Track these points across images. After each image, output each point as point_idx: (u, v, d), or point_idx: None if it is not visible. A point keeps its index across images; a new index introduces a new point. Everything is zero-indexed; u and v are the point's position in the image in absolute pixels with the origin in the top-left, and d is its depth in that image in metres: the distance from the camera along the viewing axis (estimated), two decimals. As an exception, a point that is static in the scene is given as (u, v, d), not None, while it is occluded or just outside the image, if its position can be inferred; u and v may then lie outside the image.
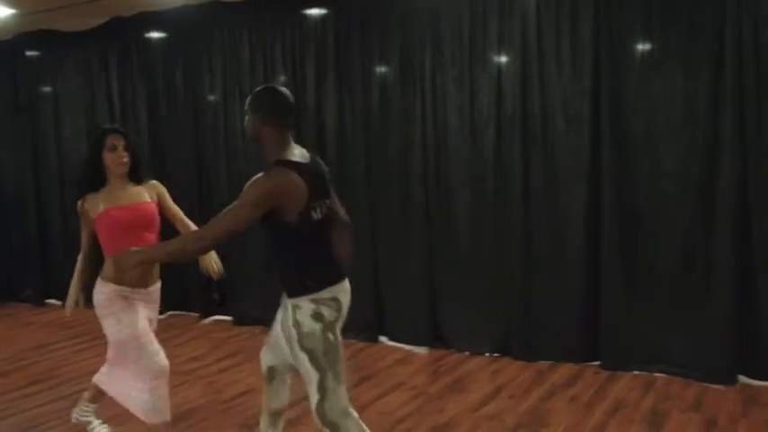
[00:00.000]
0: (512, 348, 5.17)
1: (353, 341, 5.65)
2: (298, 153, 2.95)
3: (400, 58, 5.50)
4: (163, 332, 6.16)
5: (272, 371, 3.20)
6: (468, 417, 4.13)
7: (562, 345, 5.01)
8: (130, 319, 3.45)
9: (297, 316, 2.85)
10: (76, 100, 7.29)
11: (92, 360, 5.46)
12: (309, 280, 2.90)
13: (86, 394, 3.89)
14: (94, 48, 7.10)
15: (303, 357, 2.85)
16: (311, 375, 2.85)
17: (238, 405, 4.45)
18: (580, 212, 4.92)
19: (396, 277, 5.64)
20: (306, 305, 2.85)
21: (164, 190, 3.73)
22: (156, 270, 3.61)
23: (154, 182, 3.72)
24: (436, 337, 5.50)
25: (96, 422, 3.89)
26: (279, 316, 3.04)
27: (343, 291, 3.00)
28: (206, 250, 3.16)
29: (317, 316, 2.84)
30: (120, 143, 3.49)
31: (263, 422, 3.27)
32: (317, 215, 2.88)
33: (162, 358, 3.50)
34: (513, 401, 4.36)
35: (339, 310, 2.94)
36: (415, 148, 5.46)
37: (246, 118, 2.99)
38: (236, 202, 2.80)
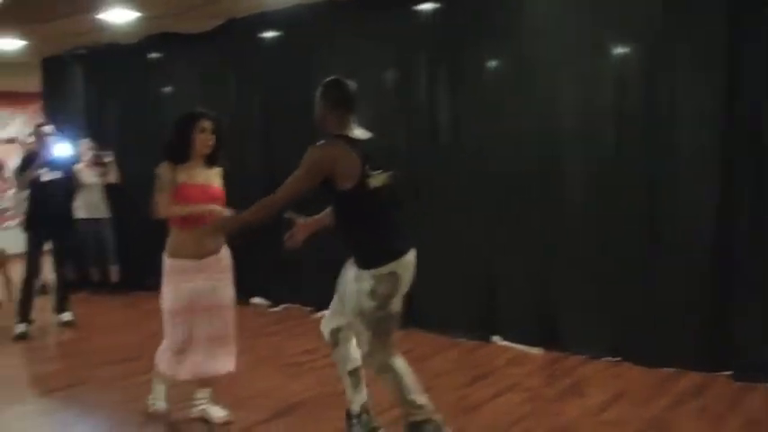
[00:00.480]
0: (632, 353, 4.96)
1: (464, 340, 5.61)
2: (357, 132, 3.29)
3: (513, 52, 5.39)
4: (276, 324, 6.40)
5: (335, 333, 3.57)
6: (588, 422, 3.99)
7: (687, 351, 4.75)
8: (173, 295, 3.78)
9: (359, 285, 3.24)
10: (194, 100, 7.55)
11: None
12: (371, 255, 3.23)
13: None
14: (212, 49, 7.34)
15: (358, 318, 3.29)
16: (362, 330, 3.30)
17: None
18: (710, 212, 4.67)
19: (510, 276, 5.53)
20: (366, 281, 3.21)
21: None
22: (214, 241, 3.79)
23: (220, 168, 3.95)
24: (551, 339, 5.36)
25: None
26: (345, 273, 3.42)
27: (404, 265, 3.26)
28: (272, 215, 3.34)
29: (372, 294, 3.19)
30: (210, 127, 3.77)
31: (348, 389, 3.58)
32: (374, 183, 3.17)
33: (186, 349, 3.84)
34: (636, 408, 4.17)
35: (397, 283, 3.22)
36: (530, 143, 5.33)
37: (317, 106, 3.36)
38: (295, 172, 3.18)
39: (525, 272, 5.44)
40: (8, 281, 7.83)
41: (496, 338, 5.60)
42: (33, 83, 9.43)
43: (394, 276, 3.22)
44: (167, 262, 3.83)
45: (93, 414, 4.42)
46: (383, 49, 6.10)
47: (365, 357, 3.39)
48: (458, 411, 4.18)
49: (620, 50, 4.94)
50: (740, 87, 4.52)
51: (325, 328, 3.64)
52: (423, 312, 5.97)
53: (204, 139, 3.78)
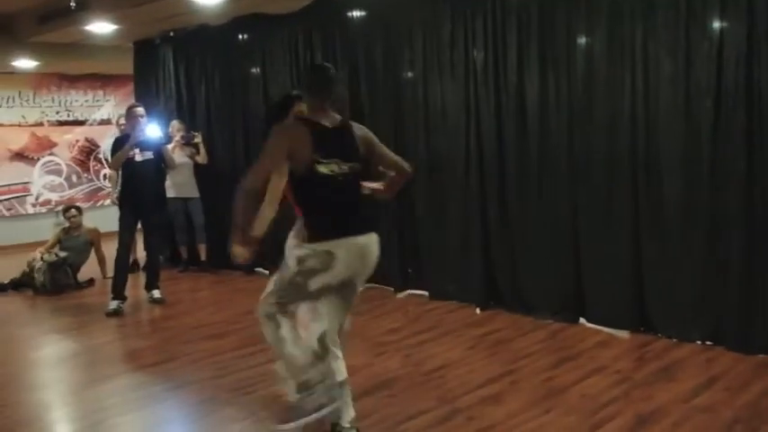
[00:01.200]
0: (726, 337, 4.78)
1: (551, 322, 5.54)
2: (328, 119, 3.42)
3: (607, 27, 5.21)
4: (361, 304, 6.46)
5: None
6: (679, 407, 3.88)
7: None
8: None
9: (294, 249, 3.48)
10: (283, 79, 7.65)
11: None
12: (311, 232, 3.40)
13: None
14: (299, 28, 7.39)
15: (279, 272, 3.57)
16: (274, 280, 3.60)
17: (437, 378, 4.49)
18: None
19: (598, 257, 5.40)
20: (301, 249, 3.41)
21: None
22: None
23: None
24: (639, 321, 5.22)
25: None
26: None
27: (345, 247, 3.36)
28: (244, 199, 3.42)
29: (300, 262, 3.40)
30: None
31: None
32: (323, 171, 3.30)
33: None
34: (730, 394, 4.03)
35: (330, 263, 3.34)
36: (622, 123, 5.17)
37: None
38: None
39: (614, 254, 5.29)
40: (102, 259, 8.18)
41: (583, 321, 5.50)
42: (125, 66, 9.75)
43: (330, 256, 3.34)
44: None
45: (182, 389, 4.55)
46: (472, 27, 5.98)
47: (262, 297, 3.64)
48: (544, 393, 4.15)
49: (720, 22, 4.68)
50: None
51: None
52: (508, 294, 5.95)
53: None
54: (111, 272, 6.91)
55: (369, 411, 3.92)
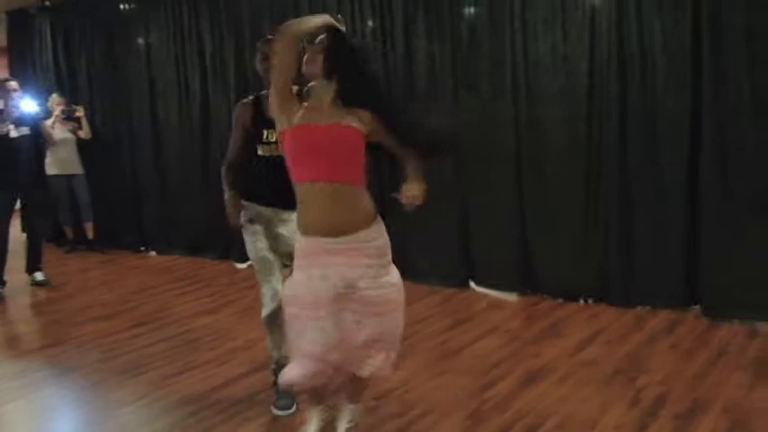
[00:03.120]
0: (608, 294, 5.04)
1: (441, 287, 5.65)
2: None
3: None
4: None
5: None
6: (565, 361, 4.07)
7: (661, 290, 4.85)
8: None
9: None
10: (167, 52, 7.42)
11: (193, 303, 5.68)
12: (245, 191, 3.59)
13: None
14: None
15: None
16: None
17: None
18: (681, 155, 4.69)
19: (485, 223, 5.55)
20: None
21: None
22: (344, 217, 2.70)
23: None
24: (527, 284, 5.42)
25: None
26: None
27: (260, 213, 3.55)
28: (231, 176, 3.61)
29: (245, 215, 3.60)
30: None
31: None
32: (262, 152, 3.44)
33: None
34: (611, 347, 4.27)
35: (258, 221, 3.56)
36: (505, 90, 5.31)
37: None
38: None
39: (500, 220, 5.46)
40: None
41: (473, 285, 5.65)
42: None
43: (259, 216, 3.56)
44: None
45: (68, 374, 4.35)
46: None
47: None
48: (439, 355, 4.24)
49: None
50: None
51: None
52: (402, 262, 5.99)
53: None
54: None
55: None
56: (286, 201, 3.02)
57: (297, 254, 2.79)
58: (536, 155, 5.26)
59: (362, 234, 2.69)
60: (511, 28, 5.22)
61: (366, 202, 2.74)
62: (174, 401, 3.79)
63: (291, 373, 2.77)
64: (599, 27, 4.88)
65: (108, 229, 8.01)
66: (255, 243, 3.58)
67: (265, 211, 3.56)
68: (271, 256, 3.55)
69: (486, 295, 5.48)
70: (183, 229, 7.49)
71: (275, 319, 3.49)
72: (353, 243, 2.67)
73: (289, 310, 2.78)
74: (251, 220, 3.59)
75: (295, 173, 2.72)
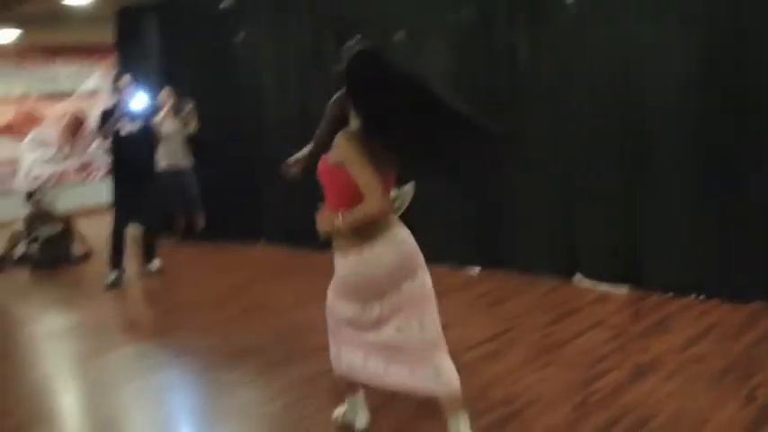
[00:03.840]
0: (721, 290, 4.85)
1: (545, 278, 5.58)
2: None
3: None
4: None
5: None
6: (674, 357, 3.97)
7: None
8: None
9: None
10: (269, 50, 7.61)
11: (297, 293, 5.80)
12: None
13: None
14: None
15: None
16: None
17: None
18: None
19: (591, 214, 5.46)
20: None
21: None
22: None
23: None
24: (635, 278, 5.27)
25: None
26: None
27: None
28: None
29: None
30: None
31: None
32: None
33: None
34: (723, 344, 4.12)
35: None
36: (615, 77, 5.19)
37: None
38: None
39: (606, 212, 5.34)
40: (83, 237, 8.09)
41: (579, 277, 5.56)
42: (109, 35, 9.58)
43: None
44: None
45: (185, 357, 4.61)
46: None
47: None
48: (541, 349, 4.22)
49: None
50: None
51: None
52: (503, 253, 5.97)
53: None
54: (107, 245, 6.80)
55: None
56: None
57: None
58: (647, 144, 5.08)
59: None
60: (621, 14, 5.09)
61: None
62: (284, 385, 3.95)
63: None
64: (714, 10, 4.67)
65: (217, 220, 8.24)
66: None
67: None
68: None
69: (592, 288, 5.36)
70: (290, 221, 7.64)
71: None
72: None
73: None
74: None
75: None
